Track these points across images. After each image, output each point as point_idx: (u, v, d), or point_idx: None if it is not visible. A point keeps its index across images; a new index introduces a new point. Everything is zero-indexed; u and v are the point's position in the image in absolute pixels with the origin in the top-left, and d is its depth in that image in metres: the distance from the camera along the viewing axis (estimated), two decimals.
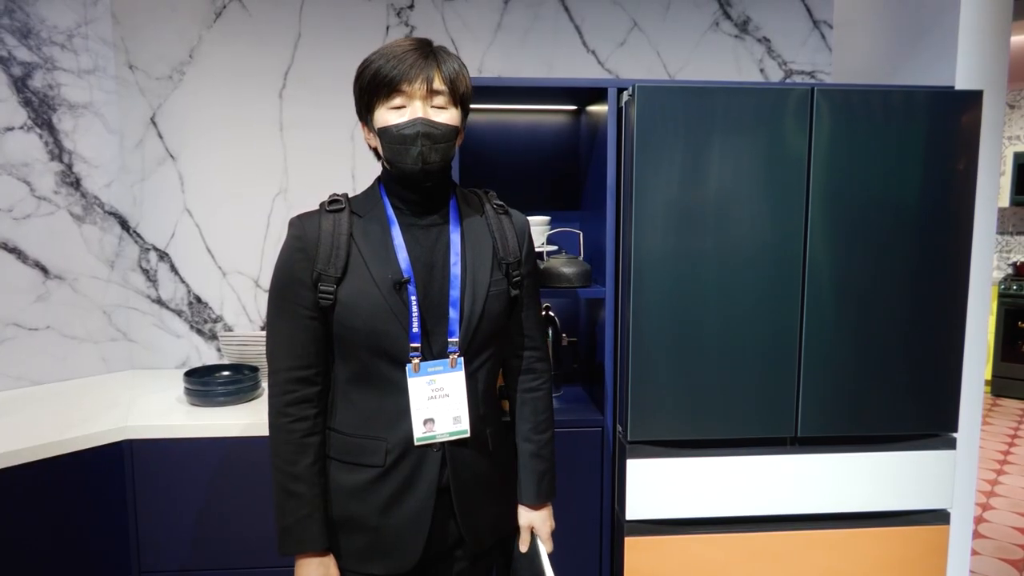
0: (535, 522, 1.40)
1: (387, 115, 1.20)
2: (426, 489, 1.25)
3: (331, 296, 1.21)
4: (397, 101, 1.19)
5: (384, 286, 1.21)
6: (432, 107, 1.20)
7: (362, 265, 1.22)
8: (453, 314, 1.25)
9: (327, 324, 1.24)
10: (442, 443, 1.26)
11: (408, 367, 1.23)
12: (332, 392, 1.29)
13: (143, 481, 1.90)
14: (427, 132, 1.18)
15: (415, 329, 1.22)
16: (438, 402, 1.24)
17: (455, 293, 1.25)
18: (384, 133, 1.20)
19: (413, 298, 1.22)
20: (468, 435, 1.27)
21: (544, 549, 1.38)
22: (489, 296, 1.27)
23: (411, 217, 1.27)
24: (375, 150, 1.28)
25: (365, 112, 1.24)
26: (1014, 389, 5.36)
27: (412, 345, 1.22)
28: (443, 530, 1.29)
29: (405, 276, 1.22)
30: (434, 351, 1.25)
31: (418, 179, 1.22)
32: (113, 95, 2.35)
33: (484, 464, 1.33)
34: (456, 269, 1.26)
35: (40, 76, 2.23)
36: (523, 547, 1.39)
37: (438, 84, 1.19)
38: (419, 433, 1.24)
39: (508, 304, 1.32)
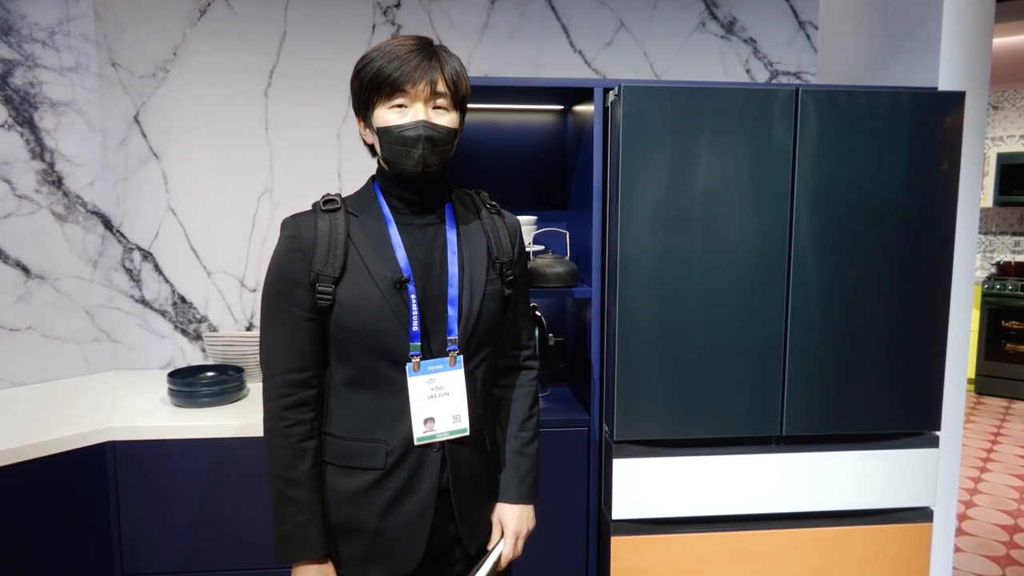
0: (508, 519, 1.37)
1: (388, 115, 1.19)
2: (427, 490, 1.25)
3: (329, 297, 1.20)
4: (399, 101, 1.18)
5: (384, 285, 1.20)
6: (434, 109, 1.19)
7: (360, 265, 1.21)
8: (452, 312, 1.25)
9: (324, 325, 1.23)
10: (442, 443, 1.25)
11: (408, 366, 1.22)
12: (327, 395, 1.27)
13: (126, 483, 1.88)
14: (428, 135, 1.18)
15: (415, 328, 1.22)
16: (438, 401, 1.24)
17: (453, 291, 1.25)
18: (385, 133, 1.19)
19: (413, 297, 1.21)
20: (468, 434, 1.27)
21: (493, 556, 1.33)
22: (486, 295, 1.28)
23: (408, 216, 1.27)
24: (371, 147, 1.28)
25: (363, 109, 1.23)
26: (998, 387, 5.42)
27: (412, 344, 1.22)
28: (442, 531, 1.29)
29: (405, 275, 1.22)
30: (433, 350, 1.24)
31: (417, 181, 1.22)
32: (96, 93, 2.33)
33: (482, 464, 1.33)
34: (454, 268, 1.26)
35: (21, 73, 2.20)
36: (491, 545, 1.36)
37: (441, 87, 1.18)
38: (419, 433, 1.23)
39: (503, 303, 1.33)
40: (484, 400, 1.32)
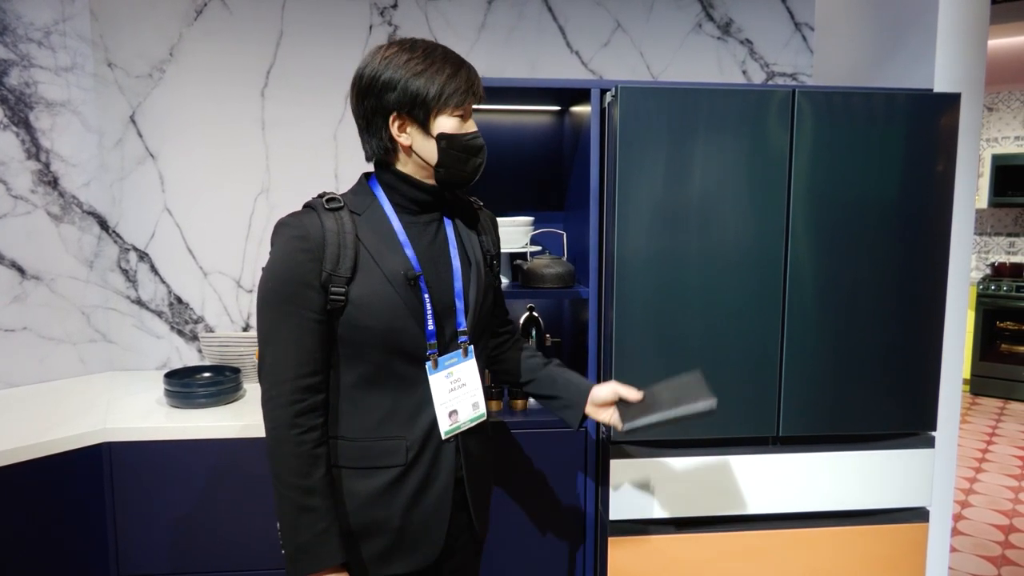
0: (609, 383, 1.46)
1: (454, 123, 1.23)
2: (445, 480, 1.28)
3: (342, 297, 1.18)
4: (462, 112, 1.24)
5: (397, 283, 1.21)
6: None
7: (371, 263, 1.21)
8: (459, 305, 1.29)
9: (331, 327, 1.21)
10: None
11: (427, 364, 1.25)
12: (334, 399, 1.24)
13: (122, 484, 1.88)
14: (485, 145, 1.29)
15: (431, 327, 1.24)
16: (458, 393, 1.29)
17: (458, 285, 1.29)
18: (453, 140, 1.23)
19: (426, 296, 1.24)
20: (486, 418, 1.34)
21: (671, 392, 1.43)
22: (487, 285, 1.35)
23: (411, 215, 1.29)
24: (405, 148, 1.23)
25: (423, 113, 1.20)
26: (993, 388, 5.43)
27: (429, 343, 1.25)
28: (456, 520, 1.32)
29: (416, 271, 1.23)
30: (444, 343, 1.28)
31: (461, 185, 1.29)
32: (91, 93, 2.32)
33: (486, 448, 1.39)
34: (457, 262, 1.30)
35: (16, 73, 2.19)
36: (636, 396, 1.43)
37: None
38: (446, 427, 1.27)
39: (494, 291, 1.42)
40: (484, 388, 1.38)
